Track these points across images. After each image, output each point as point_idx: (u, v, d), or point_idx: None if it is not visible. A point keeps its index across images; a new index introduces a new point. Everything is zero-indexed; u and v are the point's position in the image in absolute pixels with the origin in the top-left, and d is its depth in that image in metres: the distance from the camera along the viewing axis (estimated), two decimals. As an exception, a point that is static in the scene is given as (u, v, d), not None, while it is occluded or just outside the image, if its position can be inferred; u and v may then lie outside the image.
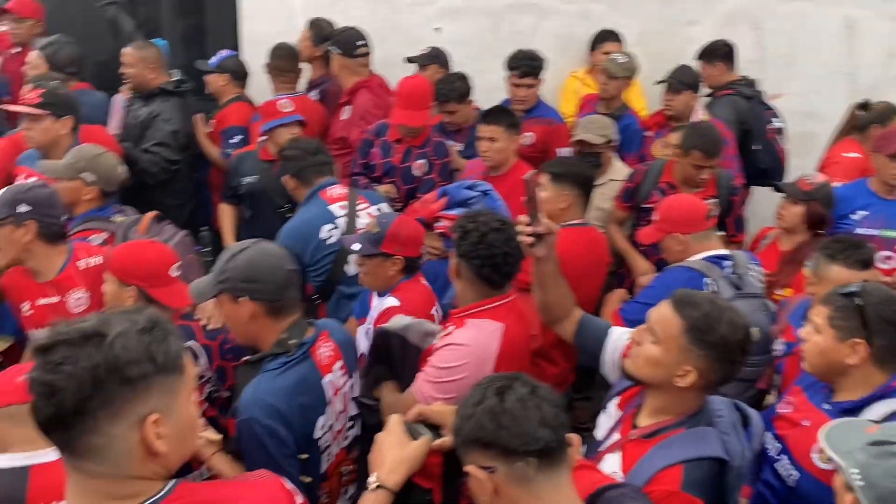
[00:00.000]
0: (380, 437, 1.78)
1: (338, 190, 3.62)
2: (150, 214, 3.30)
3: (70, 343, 1.21)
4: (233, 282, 2.18)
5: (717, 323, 1.92)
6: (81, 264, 2.95)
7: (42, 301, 2.95)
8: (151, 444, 1.25)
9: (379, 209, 3.60)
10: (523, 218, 2.31)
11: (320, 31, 4.97)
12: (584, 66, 5.48)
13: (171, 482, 1.32)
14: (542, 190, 3.32)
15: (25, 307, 2.99)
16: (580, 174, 3.57)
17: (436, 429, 1.81)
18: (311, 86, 5.07)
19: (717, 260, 3.15)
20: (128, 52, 4.52)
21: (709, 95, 4.91)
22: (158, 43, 4.71)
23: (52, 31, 4.89)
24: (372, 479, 1.70)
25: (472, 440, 1.52)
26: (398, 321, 2.62)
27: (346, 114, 4.61)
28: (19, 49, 5.12)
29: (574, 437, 1.59)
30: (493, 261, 2.50)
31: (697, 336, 1.92)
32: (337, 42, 4.65)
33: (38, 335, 1.24)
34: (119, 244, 3.09)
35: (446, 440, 1.77)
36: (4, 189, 2.94)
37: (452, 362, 2.48)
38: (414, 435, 1.77)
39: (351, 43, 4.61)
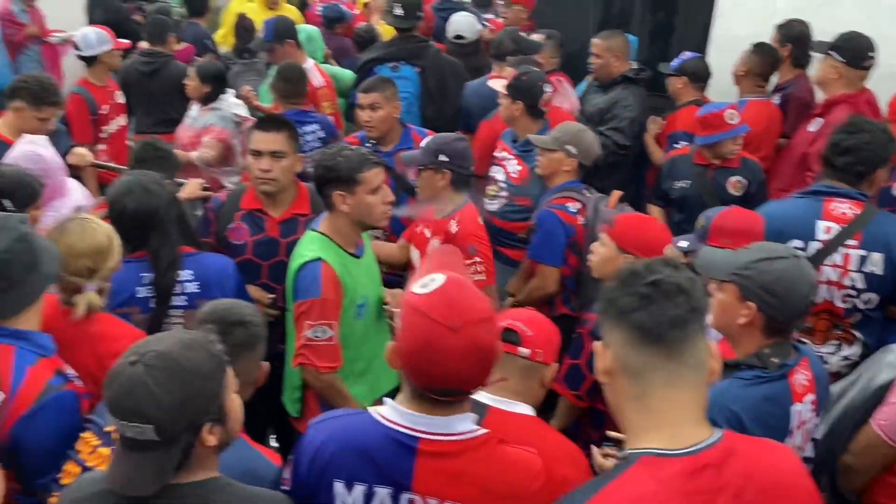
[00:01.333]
0: None
1: (844, 209, 2.96)
2: (617, 193, 3.47)
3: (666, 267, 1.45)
4: (752, 284, 2.05)
5: None
6: (457, 217, 3.17)
7: (419, 228, 3.28)
8: (715, 358, 1.46)
9: (865, 258, 2.92)
10: None
11: (790, 31, 4.64)
12: None
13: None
14: None
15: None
16: None
17: None
18: (777, 89, 4.74)
19: None
20: (595, 42, 4.69)
21: None
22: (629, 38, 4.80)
23: (541, 20, 5.27)
24: None
25: None
26: None
27: (814, 125, 4.19)
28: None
29: None
30: None
31: None
32: (840, 48, 4.11)
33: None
34: (590, 214, 3.41)
35: None
36: (431, 138, 3.30)
37: None
38: None
39: (861, 52, 4.08)
